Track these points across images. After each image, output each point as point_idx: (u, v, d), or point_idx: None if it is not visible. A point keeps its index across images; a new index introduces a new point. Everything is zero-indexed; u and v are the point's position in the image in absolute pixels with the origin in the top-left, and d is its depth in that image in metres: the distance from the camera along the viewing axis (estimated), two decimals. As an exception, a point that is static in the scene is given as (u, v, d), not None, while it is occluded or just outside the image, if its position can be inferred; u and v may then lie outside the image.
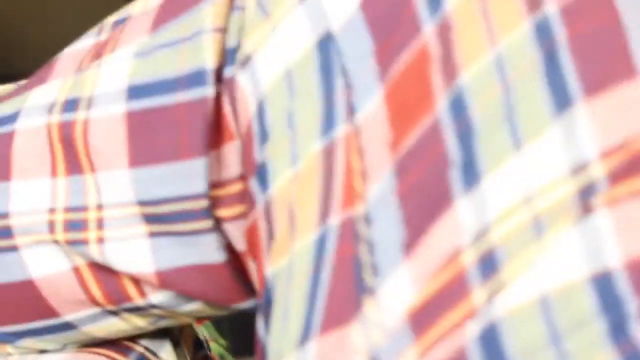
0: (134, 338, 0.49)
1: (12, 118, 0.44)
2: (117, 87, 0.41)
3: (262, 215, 0.37)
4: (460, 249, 0.29)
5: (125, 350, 0.48)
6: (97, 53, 0.43)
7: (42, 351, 0.47)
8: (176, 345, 0.51)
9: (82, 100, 0.41)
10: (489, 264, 0.28)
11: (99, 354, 0.47)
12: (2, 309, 0.44)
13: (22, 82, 0.49)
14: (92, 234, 0.41)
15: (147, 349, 0.49)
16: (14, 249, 0.43)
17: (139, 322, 0.45)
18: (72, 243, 0.42)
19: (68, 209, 0.42)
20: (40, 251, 0.43)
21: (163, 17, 0.41)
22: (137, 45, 0.41)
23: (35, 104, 0.43)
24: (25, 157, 0.43)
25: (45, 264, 0.43)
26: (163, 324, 0.46)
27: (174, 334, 0.51)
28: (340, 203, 0.33)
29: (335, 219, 0.33)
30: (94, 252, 0.41)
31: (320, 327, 0.32)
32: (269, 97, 0.36)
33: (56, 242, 0.42)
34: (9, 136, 0.43)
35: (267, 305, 0.36)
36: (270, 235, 0.36)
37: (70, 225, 0.42)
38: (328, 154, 0.34)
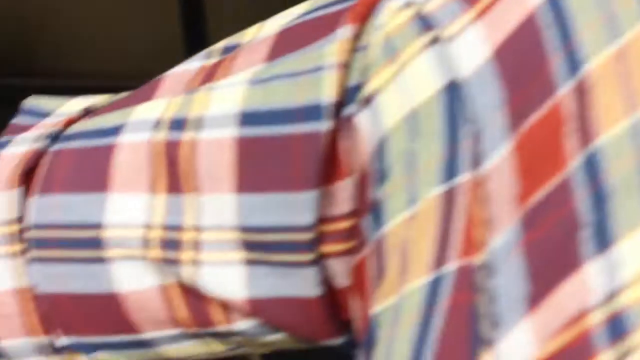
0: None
1: (114, 131, 0.44)
2: (228, 112, 0.41)
3: (373, 253, 0.37)
4: (588, 310, 0.29)
5: None
6: (207, 76, 0.43)
7: None
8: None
9: (190, 121, 0.42)
10: (617, 327, 0.28)
11: None
12: (83, 319, 0.45)
13: (118, 95, 0.50)
14: (186, 255, 0.41)
15: None
16: (103, 261, 0.43)
17: (217, 348, 0.45)
18: (165, 261, 0.42)
19: (164, 227, 0.42)
20: (130, 266, 0.43)
21: (282, 47, 0.41)
22: (252, 73, 0.41)
23: (140, 119, 0.44)
24: (126, 170, 0.43)
25: (133, 280, 0.43)
26: (240, 351, 0.46)
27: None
28: (458, 251, 0.33)
29: (451, 266, 0.33)
30: (187, 273, 0.41)
31: None
32: (390, 137, 0.36)
33: (148, 259, 0.42)
34: (110, 148, 0.44)
35: (370, 345, 0.36)
36: (380, 274, 0.36)
37: (165, 244, 0.42)
38: (448, 199, 0.34)
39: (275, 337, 0.43)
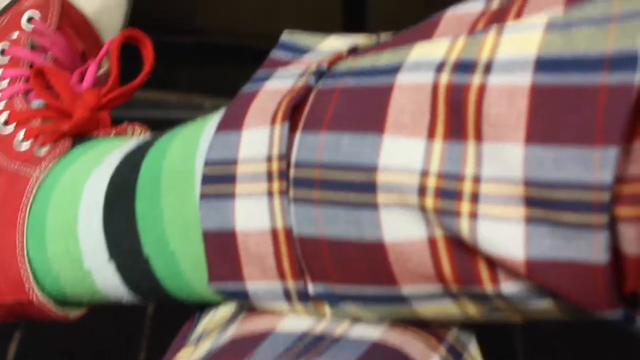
0: (446, 325, 0.46)
1: (390, 71, 0.42)
2: (523, 57, 0.38)
3: None
4: None
5: (438, 337, 0.45)
6: (495, 18, 0.41)
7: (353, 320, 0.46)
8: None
9: (479, 64, 0.39)
10: None
11: (416, 333, 0.45)
12: (339, 266, 0.43)
13: (387, 33, 0.48)
14: (464, 207, 0.39)
15: (457, 339, 0.46)
16: (371, 206, 0.41)
17: (472, 311, 0.42)
18: (439, 212, 0.39)
19: (442, 175, 0.39)
20: (401, 214, 0.40)
21: None
22: (550, 16, 0.38)
23: (419, 60, 0.41)
24: (403, 112, 0.41)
25: (402, 229, 0.41)
26: (493, 317, 0.43)
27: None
28: None
29: None
30: (463, 226, 0.39)
31: None
32: None
33: (422, 208, 0.40)
34: (386, 89, 0.41)
35: None
36: None
37: (442, 193, 0.39)
38: None
39: (542, 304, 0.40)
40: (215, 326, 0.48)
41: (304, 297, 0.44)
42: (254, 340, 0.44)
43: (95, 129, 0.58)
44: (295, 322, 0.45)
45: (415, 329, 0.45)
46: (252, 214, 0.44)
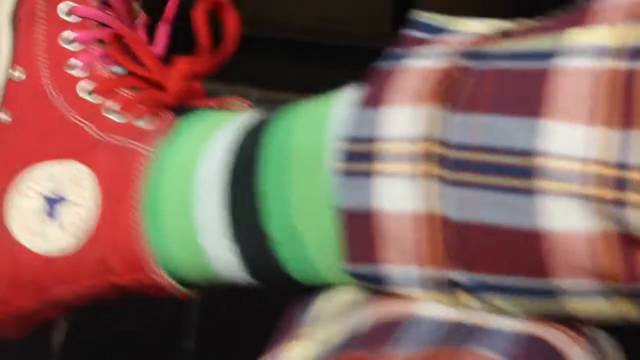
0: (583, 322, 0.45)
1: (548, 55, 0.41)
2: None
3: None
4: None
5: (580, 333, 0.44)
6: None
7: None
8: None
9: None
10: None
11: (556, 324, 0.43)
12: (490, 254, 0.41)
13: (523, 20, 0.46)
14: (631, 197, 0.38)
15: (593, 339, 0.45)
16: (530, 192, 0.40)
17: (630, 311, 0.41)
18: (604, 201, 0.38)
19: (607, 163, 0.38)
20: (564, 202, 0.39)
21: None
22: None
23: (579, 46, 0.40)
24: (565, 97, 0.39)
25: (565, 218, 0.39)
26: None
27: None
28: None
29: None
30: (631, 216, 0.37)
31: None
32: None
33: (585, 196, 0.39)
34: (545, 72, 0.40)
35: None
36: None
37: (609, 182, 0.38)
38: None
39: None
40: (336, 309, 0.46)
41: (443, 285, 0.43)
42: (394, 325, 0.43)
43: (189, 100, 0.56)
44: (432, 308, 0.44)
45: (552, 321, 0.44)
46: (395, 195, 0.43)
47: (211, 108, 0.55)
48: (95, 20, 0.56)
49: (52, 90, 0.54)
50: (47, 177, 0.53)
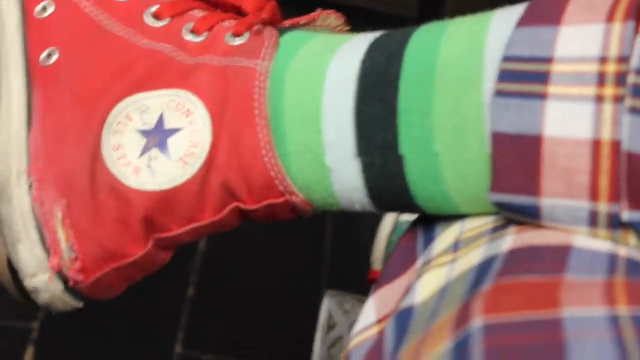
0: None
1: None
2: None
3: None
4: None
5: None
6: None
7: None
8: None
9: None
10: None
11: None
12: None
13: None
14: None
15: None
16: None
17: None
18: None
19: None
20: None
21: None
22: None
23: None
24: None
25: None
26: None
27: None
28: None
29: None
30: None
31: None
32: None
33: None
34: None
35: None
36: None
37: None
38: None
39: None
40: (474, 235, 0.42)
41: (614, 223, 0.39)
42: (554, 251, 0.38)
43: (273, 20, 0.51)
44: (591, 241, 0.39)
45: None
46: (569, 120, 0.39)
47: (299, 24, 0.51)
48: None
49: (101, 18, 0.50)
50: (139, 109, 0.48)
